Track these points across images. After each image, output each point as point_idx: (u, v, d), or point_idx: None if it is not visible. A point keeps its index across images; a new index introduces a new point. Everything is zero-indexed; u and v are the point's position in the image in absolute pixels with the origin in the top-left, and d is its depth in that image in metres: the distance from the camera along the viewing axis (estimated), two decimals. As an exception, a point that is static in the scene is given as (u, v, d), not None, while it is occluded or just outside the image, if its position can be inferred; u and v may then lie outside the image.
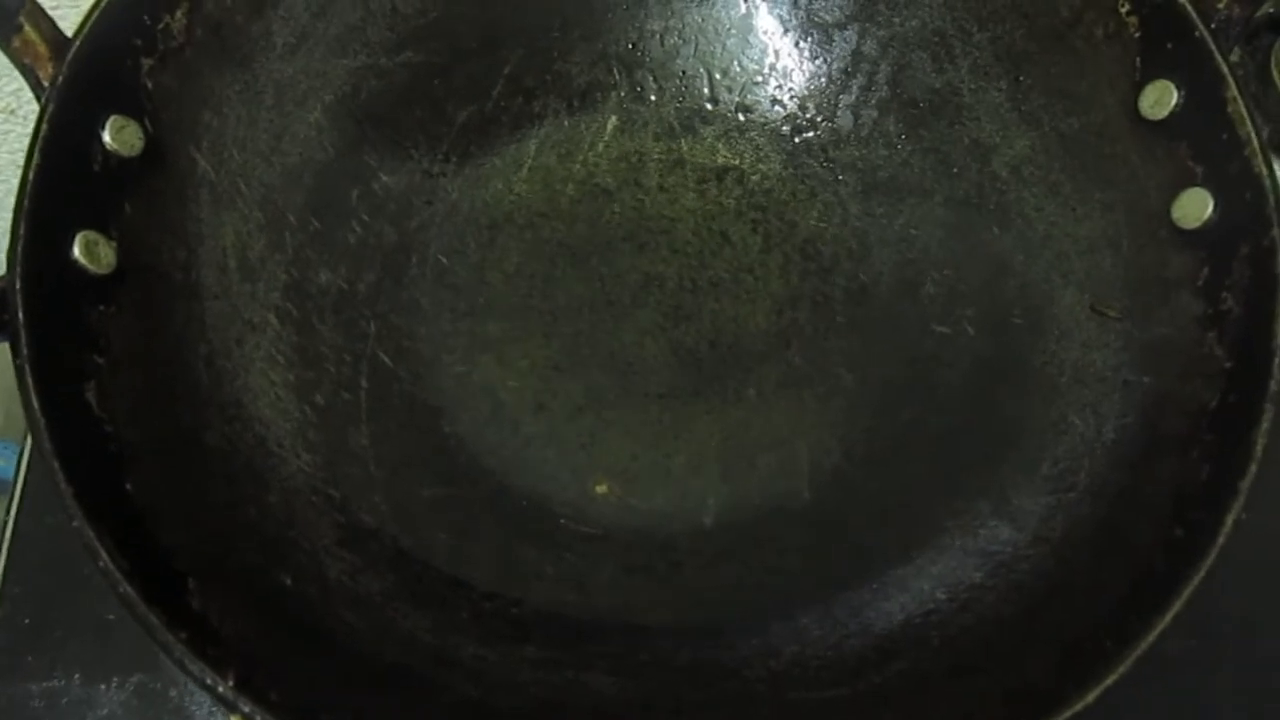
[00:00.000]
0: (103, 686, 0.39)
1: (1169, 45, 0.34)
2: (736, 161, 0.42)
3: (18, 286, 0.29)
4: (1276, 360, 0.29)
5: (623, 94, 0.43)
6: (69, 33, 0.33)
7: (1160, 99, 0.35)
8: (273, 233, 0.37)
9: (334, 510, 0.34)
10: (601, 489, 0.37)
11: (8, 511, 0.43)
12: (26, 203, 0.30)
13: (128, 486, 0.29)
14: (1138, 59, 0.35)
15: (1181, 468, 0.30)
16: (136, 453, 0.30)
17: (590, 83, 0.42)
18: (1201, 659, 0.38)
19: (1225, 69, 0.33)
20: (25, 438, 0.43)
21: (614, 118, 0.43)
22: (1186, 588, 0.27)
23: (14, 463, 0.43)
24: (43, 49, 0.33)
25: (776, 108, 0.42)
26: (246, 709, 0.25)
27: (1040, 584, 0.32)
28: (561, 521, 0.36)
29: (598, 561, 0.36)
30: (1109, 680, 0.26)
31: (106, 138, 0.33)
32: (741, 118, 0.42)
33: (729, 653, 0.33)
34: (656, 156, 0.42)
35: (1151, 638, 0.26)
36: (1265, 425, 0.29)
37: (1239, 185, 0.32)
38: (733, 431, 0.38)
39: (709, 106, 0.43)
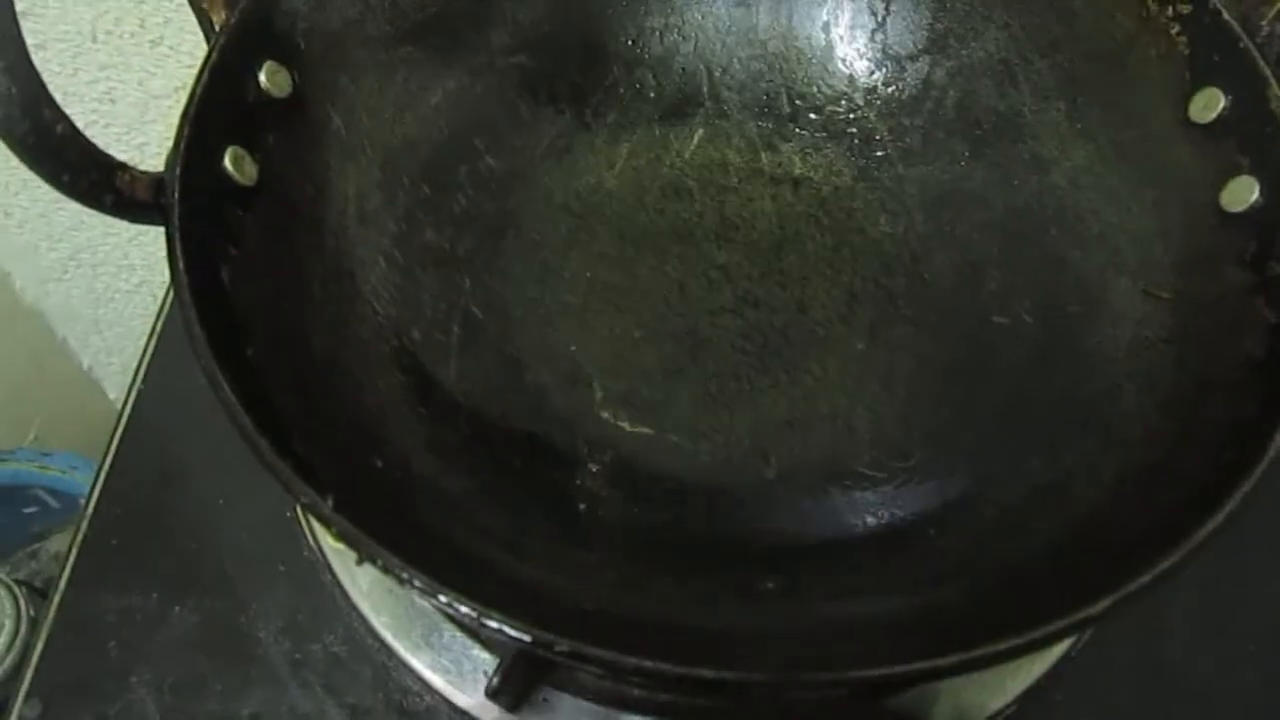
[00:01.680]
0: (177, 608, 0.41)
1: (1216, 57, 0.38)
2: (810, 174, 0.46)
3: (176, 173, 0.33)
4: (1322, 309, 0.31)
5: (709, 110, 0.47)
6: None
7: (1209, 104, 0.38)
8: (388, 190, 0.41)
9: (422, 424, 0.36)
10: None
11: (102, 458, 0.46)
12: (191, 110, 0.34)
13: (248, 352, 0.32)
14: (1187, 72, 0.38)
15: (1230, 409, 0.32)
16: (257, 331, 0.33)
17: (681, 99, 0.47)
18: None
19: (1268, 72, 0.36)
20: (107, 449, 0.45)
21: (701, 130, 0.47)
22: (1237, 492, 0.28)
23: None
24: (218, -2, 0.38)
25: (850, 129, 0.46)
26: (346, 527, 0.27)
27: (1092, 517, 0.33)
28: (628, 465, 0.38)
29: (665, 498, 0.37)
30: (1164, 565, 0.27)
31: (262, 77, 0.37)
32: (817, 136, 0.46)
33: (789, 580, 0.34)
34: (737, 165, 0.46)
35: (1205, 533, 0.27)
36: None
37: (1283, 170, 0.35)
38: (796, 403, 0.40)
39: (788, 125, 0.46)
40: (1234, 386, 0.32)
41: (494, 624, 0.27)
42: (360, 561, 0.28)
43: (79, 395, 0.92)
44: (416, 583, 0.27)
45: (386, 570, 0.27)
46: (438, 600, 0.27)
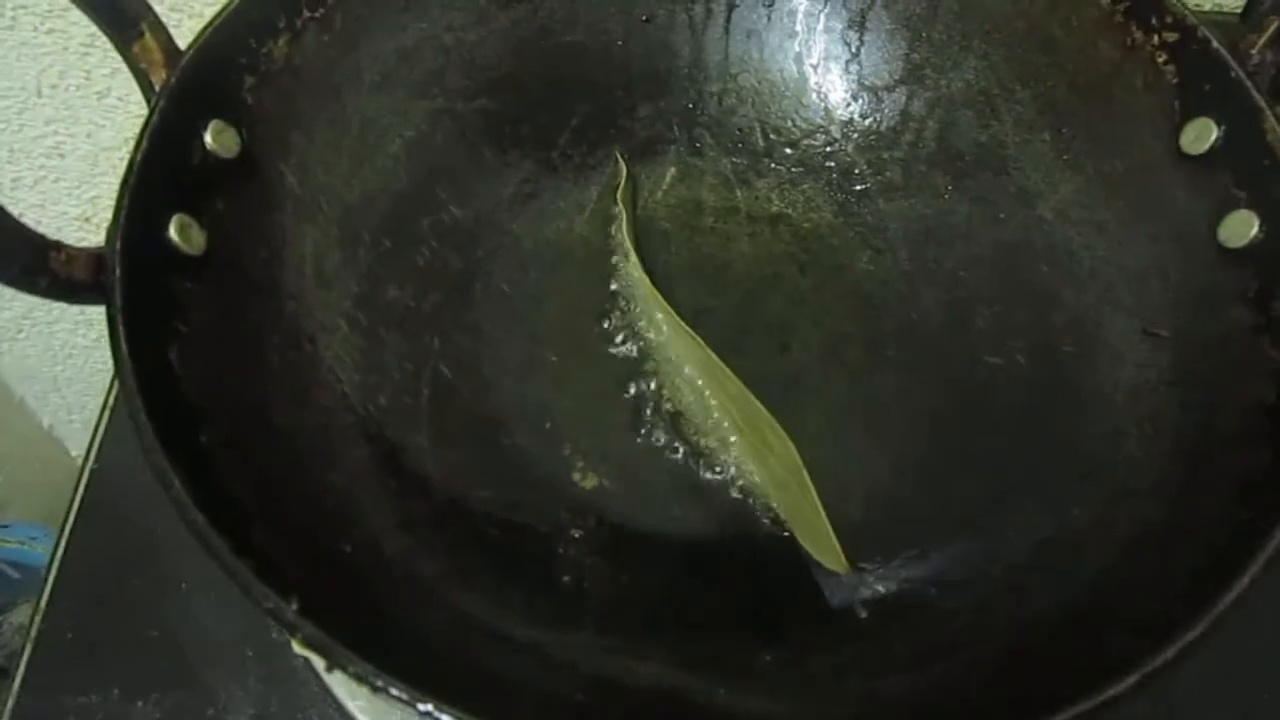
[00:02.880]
0: (140, 703, 0.39)
1: (1206, 87, 0.36)
2: (789, 210, 0.44)
3: (117, 248, 0.31)
4: (1333, 351, 0.30)
5: (682, 148, 0.45)
6: (183, 45, 0.36)
7: (1200, 135, 0.36)
8: (348, 248, 0.39)
9: (391, 498, 0.34)
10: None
11: (56, 543, 0.43)
12: (131, 179, 0.32)
13: (201, 438, 0.30)
14: (1176, 102, 0.37)
15: (1243, 459, 0.30)
16: (210, 414, 0.31)
17: (651, 137, 0.45)
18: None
19: (1262, 102, 0.35)
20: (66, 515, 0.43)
21: (673, 169, 0.45)
22: (1259, 558, 0.27)
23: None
24: (158, 56, 0.35)
25: (828, 163, 0.45)
26: (313, 634, 0.25)
27: (1104, 578, 0.31)
28: (614, 529, 0.36)
29: (650, 564, 0.35)
30: (1186, 639, 0.25)
31: (207, 138, 0.35)
32: (794, 171, 0.45)
33: (786, 649, 0.32)
34: (712, 204, 0.44)
35: (1229, 600, 0.26)
36: (1326, 408, 0.29)
37: (1284, 203, 0.33)
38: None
39: (763, 160, 0.45)
40: (1244, 435, 0.31)
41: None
42: (330, 669, 0.26)
43: (40, 455, 0.89)
44: (394, 691, 0.25)
45: (360, 679, 0.25)
46: (418, 710, 0.25)
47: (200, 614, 0.40)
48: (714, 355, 0.37)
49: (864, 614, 0.34)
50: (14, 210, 0.30)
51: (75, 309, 0.77)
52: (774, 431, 0.36)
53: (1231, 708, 0.38)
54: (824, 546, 0.34)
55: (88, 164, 0.66)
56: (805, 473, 0.34)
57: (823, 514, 0.34)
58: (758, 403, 0.36)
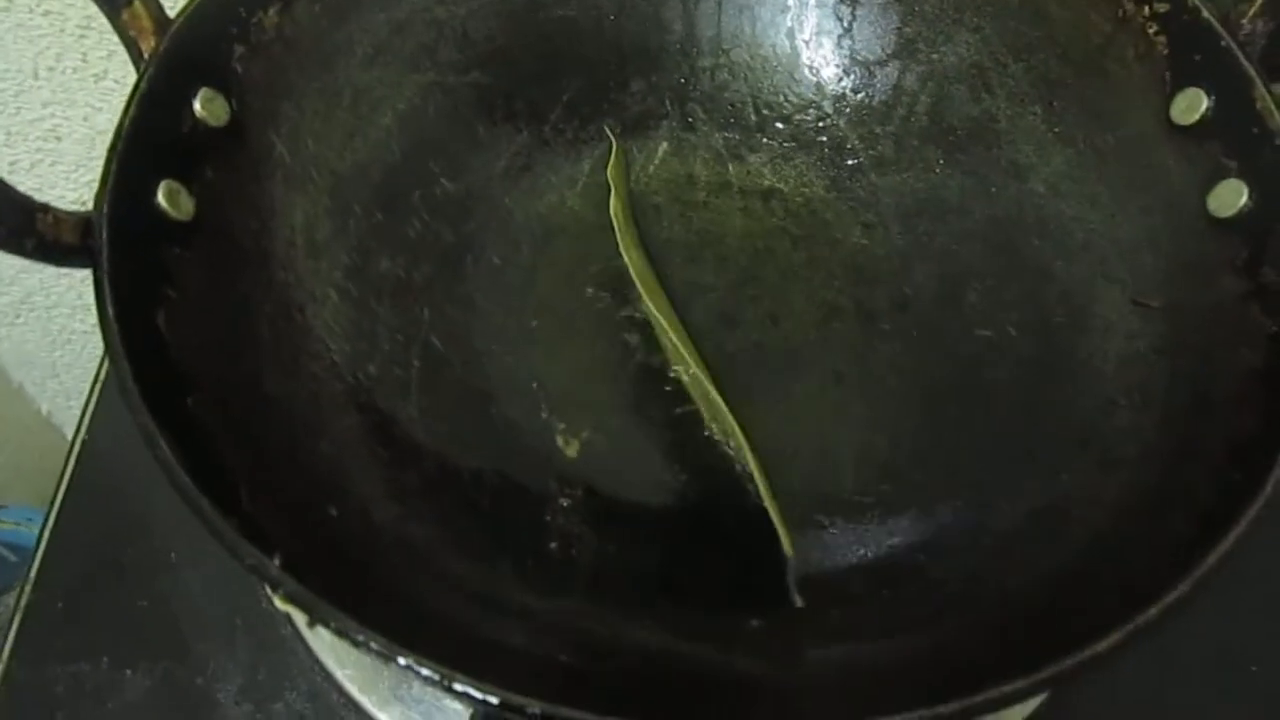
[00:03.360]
0: (129, 672, 0.39)
1: (1197, 57, 0.36)
2: (781, 185, 0.44)
3: (104, 212, 0.31)
4: (1320, 314, 0.30)
5: (674, 123, 0.45)
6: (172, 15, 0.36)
7: (1191, 105, 0.36)
8: (339, 219, 0.39)
9: (381, 466, 0.34)
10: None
11: (47, 514, 0.43)
12: (119, 144, 0.32)
13: (188, 402, 0.30)
14: (1167, 73, 0.37)
15: (1232, 423, 0.30)
16: (198, 380, 0.31)
17: (644, 112, 0.45)
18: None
19: (1253, 71, 0.35)
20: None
21: (665, 144, 0.45)
22: (1244, 517, 0.26)
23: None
24: (148, 24, 0.35)
25: (821, 137, 0.44)
26: (295, 589, 0.25)
27: (1094, 544, 0.31)
28: (603, 499, 0.36)
29: (638, 533, 0.35)
30: (1172, 597, 0.25)
31: (197, 105, 0.35)
32: (786, 146, 0.45)
33: (776, 619, 0.32)
34: (705, 179, 0.44)
35: (1213, 561, 0.26)
36: (1315, 371, 0.29)
37: (1273, 171, 0.33)
38: (776, 428, 0.39)
39: (755, 135, 0.45)
40: (1234, 400, 0.31)
41: (460, 687, 0.25)
42: (312, 624, 0.26)
43: (39, 442, 0.89)
44: (373, 645, 0.25)
45: (340, 633, 0.25)
46: (398, 663, 0.25)
47: (190, 585, 0.40)
48: (682, 347, 0.37)
49: (853, 584, 0.34)
50: (12, 195, 0.30)
51: (73, 294, 0.77)
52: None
53: (1222, 674, 0.38)
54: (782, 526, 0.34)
55: (85, 147, 0.66)
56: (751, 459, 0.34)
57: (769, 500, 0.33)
58: (716, 395, 0.36)
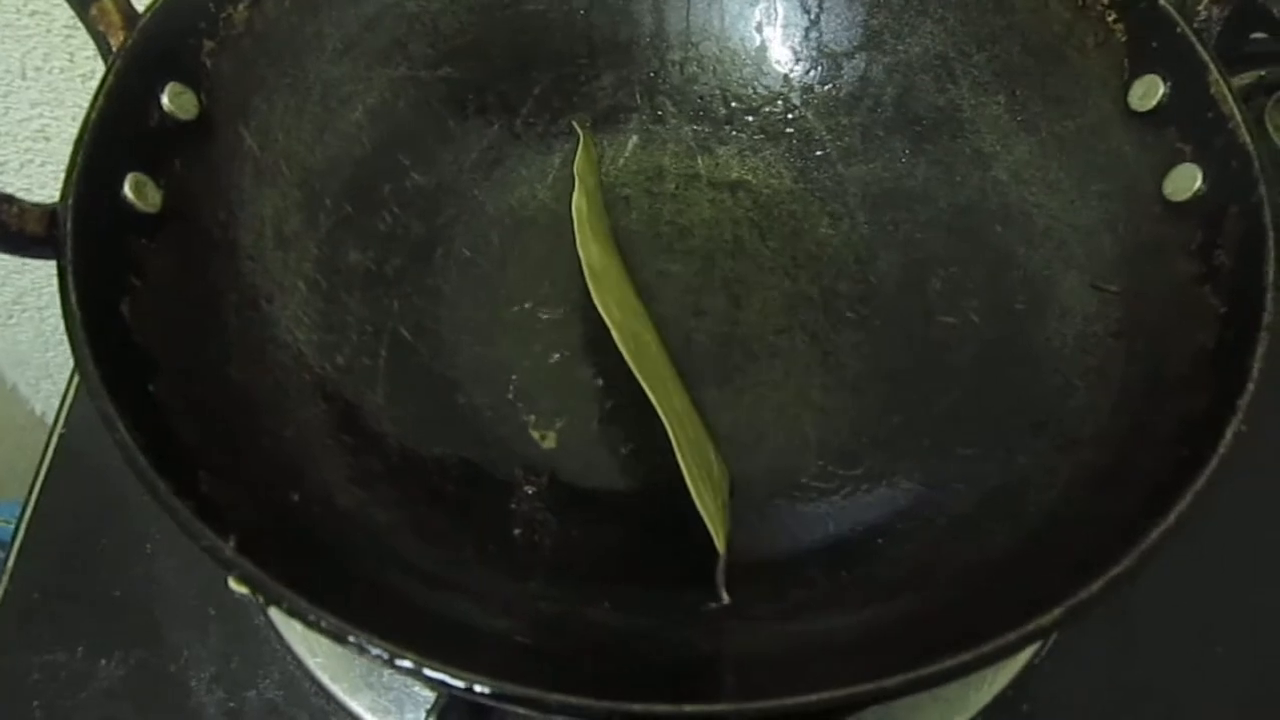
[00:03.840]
0: (103, 661, 0.39)
1: (1154, 44, 0.37)
2: (749, 177, 0.45)
3: (70, 203, 0.31)
4: (1268, 295, 0.30)
5: (644, 116, 0.46)
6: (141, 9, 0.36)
7: (1148, 91, 0.37)
8: (308, 211, 0.40)
9: (346, 453, 0.35)
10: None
11: (25, 504, 0.44)
12: (86, 138, 0.33)
13: (150, 387, 0.30)
14: (1125, 59, 0.37)
15: (1183, 402, 0.31)
16: (162, 365, 0.31)
17: (614, 105, 0.45)
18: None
19: (1207, 57, 0.35)
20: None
21: (635, 137, 0.45)
22: (1189, 492, 0.27)
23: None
24: (117, 19, 0.36)
25: (788, 129, 0.45)
26: (248, 570, 0.26)
27: (1048, 522, 0.31)
28: (567, 485, 0.37)
29: (600, 519, 0.36)
30: (1115, 571, 0.26)
31: (165, 100, 0.36)
32: (755, 138, 0.45)
33: (736, 599, 0.32)
34: (674, 170, 0.45)
35: (1156, 536, 0.26)
36: (1261, 350, 0.29)
37: (1226, 156, 0.34)
38: (742, 413, 0.39)
39: (724, 127, 0.45)
40: (1186, 380, 0.31)
41: (409, 665, 0.25)
42: (266, 605, 0.26)
43: (32, 441, 0.89)
44: (324, 624, 0.25)
45: (292, 613, 0.26)
46: (349, 642, 0.25)
47: (163, 574, 0.40)
48: (623, 344, 0.36)
49: (813, 565, 0.34)
50: (1, 195, 0.30)
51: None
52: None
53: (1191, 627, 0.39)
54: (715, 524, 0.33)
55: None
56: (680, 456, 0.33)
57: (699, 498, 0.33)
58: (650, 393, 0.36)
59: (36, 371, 0.86)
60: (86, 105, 0.63)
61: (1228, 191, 0.33)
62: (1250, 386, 0.28)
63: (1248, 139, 0.33)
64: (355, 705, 0.38)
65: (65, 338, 0.76)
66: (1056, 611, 0.26)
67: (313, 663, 0.38)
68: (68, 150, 0.67)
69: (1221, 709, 0.38)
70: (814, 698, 0.25)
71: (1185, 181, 0.35)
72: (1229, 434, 0.28)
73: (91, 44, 0.60)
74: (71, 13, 0.54)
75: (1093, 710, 0.38)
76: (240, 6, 0.38)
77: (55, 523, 0.42)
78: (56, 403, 0.87)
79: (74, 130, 0.65)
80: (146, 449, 0.27)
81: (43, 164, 0.68)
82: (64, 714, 0.38)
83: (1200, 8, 0.36)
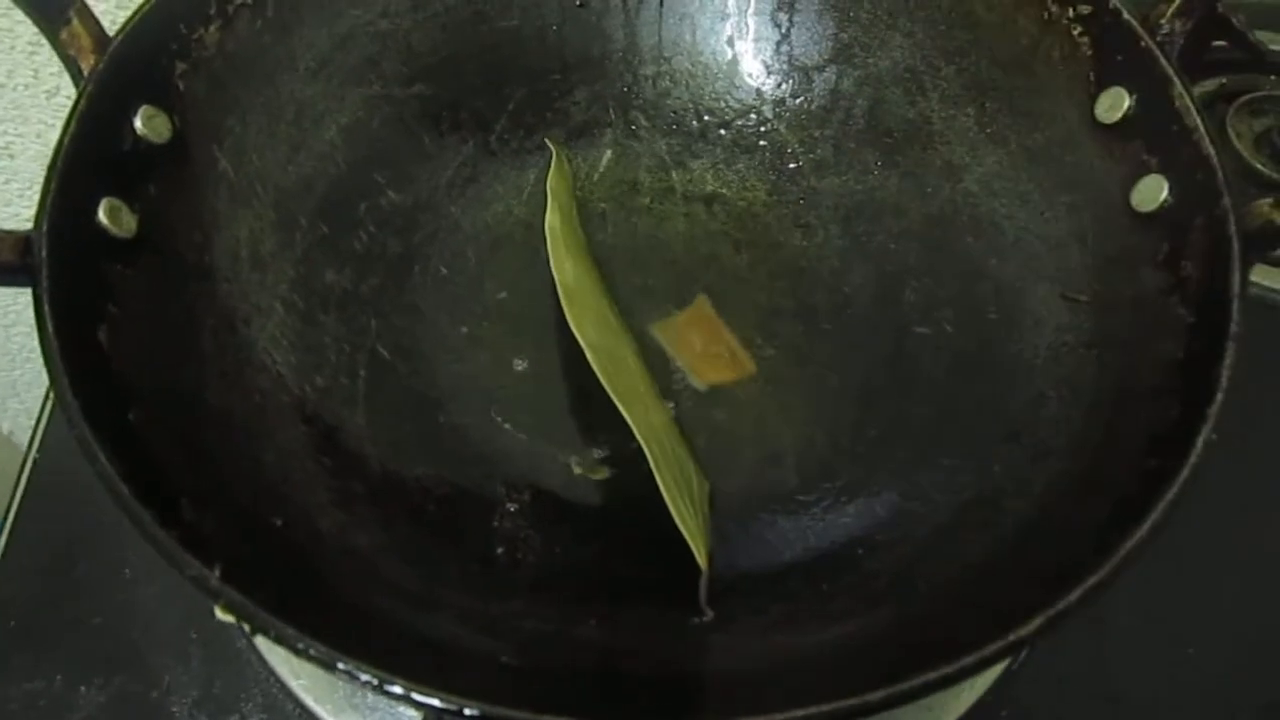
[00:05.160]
0: (83, 688, 0.39)
1: (1119, 57, 0.37)
2: (723, 190, 0.45)
3: (43, 230, 0.31)
4: (1234, 305, 0.31)
5: (618, 131, 0.46)
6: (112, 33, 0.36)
7: (1114, 104, 0.37)
8: (284, 232, 0.40)
9: (327, 475, 0.35)
10: (580, 471, 0.37)
11: (3, 520, 0.43)
12: (59, 164, 0.33)
13: (130, 415, 0.30)
14: (1091, 73, 0.38)
15: (1153, 413, 0.31)
16: (140, 392, 0.31)
17: (588, 120, 0.46)
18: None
19: (1171, 70, 0.36)
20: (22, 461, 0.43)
21: (609, 151, 0.46)
22: (1161, 502, 0.27)
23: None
24: (87, 43, 0.36)
25: (761, 142, 0.45)
26: (234, 599, 0.26)
27: (1023, 533, 0.32)
28: (549, 502, 0.37)
29: (583, 537, 0.36)
30: (1091, 581, 0.26)
31: (138, 123, 0.35)
32: (728, 151, 0.45)
33: (719, 613, 0.33)
34: (649, 185, 0.45)
35: (1131, 546, 0.27)
36: (1229, 359, 0.30)
37: (1191, 167, 0.34)
38: (718, 428, 0.39)
39: (698, 142, 0.46)
40: (1156, 390, 0.32)
41: (398, 690, 0.25)
42: (253, 633, 0.26)
43: (2, 460, 0.88)
44: (312, 652, 0.25)
45: (280, 641, 0.26)
46: (338, 669, 0.25)
47: (143, 599, 0.40)
48: (596, 364, 0.36)
49: (794, 578, 0.35)
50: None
51: (31, 312, 0.77)
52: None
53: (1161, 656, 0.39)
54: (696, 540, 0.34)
55: (39, 164, 0.66)
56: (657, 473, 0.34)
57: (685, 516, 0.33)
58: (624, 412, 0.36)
59: (3, 390, 0.85)
60: (51, 122, 0.63)
61: (1193, 203, 0.34)
62: (1220, 396, 0.29)
63: (1211, 151, 0.34)
64: (339, 727, 0.38)
65: (32, 355, 0.76)
66: (1036, 621, 0.26)
67: (296, 685, 0.38)
68: (33, 167, 0.66)
69: (1194, 709, 0.39)
70: (799, 713, 0.25)
71: (1152, 193, 0.35)
72: (1200, 443, 0.28)
73: (55, 61, 0.59)
74: (36, 30, 0.53)
75: (1071, 713, 0.39)
76: (212, 27, 0.38)
77: (32, 548, 0.42)
78: (25, 420, 0.87)
79: (39, 147, 0.65)
80: (128, 478, 0.27)
81: (7, 181, 0.67)
82: (44, 744, 0.38)
83: (1163, 21, 0.37)
